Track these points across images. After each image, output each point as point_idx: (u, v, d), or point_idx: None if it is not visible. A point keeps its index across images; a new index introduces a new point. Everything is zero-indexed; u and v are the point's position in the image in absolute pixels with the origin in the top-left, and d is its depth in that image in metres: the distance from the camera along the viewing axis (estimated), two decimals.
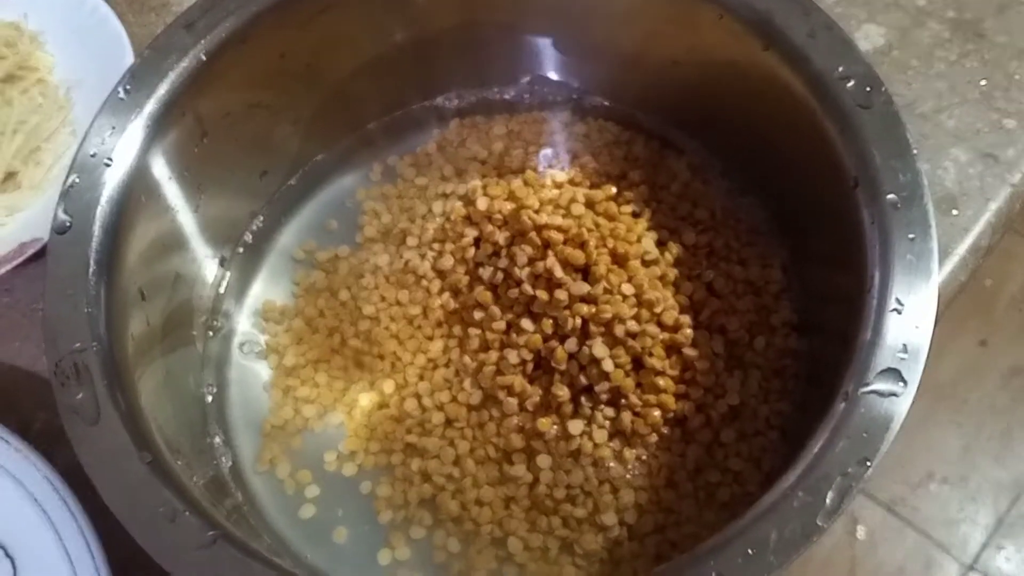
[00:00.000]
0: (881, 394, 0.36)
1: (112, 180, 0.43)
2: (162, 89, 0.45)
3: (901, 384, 0.36)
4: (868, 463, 0.35)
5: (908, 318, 0.37)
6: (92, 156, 0.43)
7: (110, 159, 0.43)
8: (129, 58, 0.61)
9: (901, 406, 0.35)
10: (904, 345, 0.36)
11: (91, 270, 0.41)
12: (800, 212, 0.49)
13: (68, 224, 0.42)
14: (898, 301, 0.37)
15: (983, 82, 0.59)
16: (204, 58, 0.46)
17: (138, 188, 0.44)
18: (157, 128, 0.45)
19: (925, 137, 0.56)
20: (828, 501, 0.34)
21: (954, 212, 0.54)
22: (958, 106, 0.58)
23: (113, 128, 0.44)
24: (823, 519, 0.34)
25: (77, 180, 0.43)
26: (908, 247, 0.38)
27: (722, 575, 0.33)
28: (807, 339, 0.49)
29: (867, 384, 0.36)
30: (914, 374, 0.36)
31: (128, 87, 0.45)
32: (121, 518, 0.36)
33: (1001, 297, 1.43)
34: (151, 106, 0.45)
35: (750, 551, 0.34)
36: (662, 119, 0.56)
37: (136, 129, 0.44)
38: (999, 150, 0.57)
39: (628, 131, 0.57)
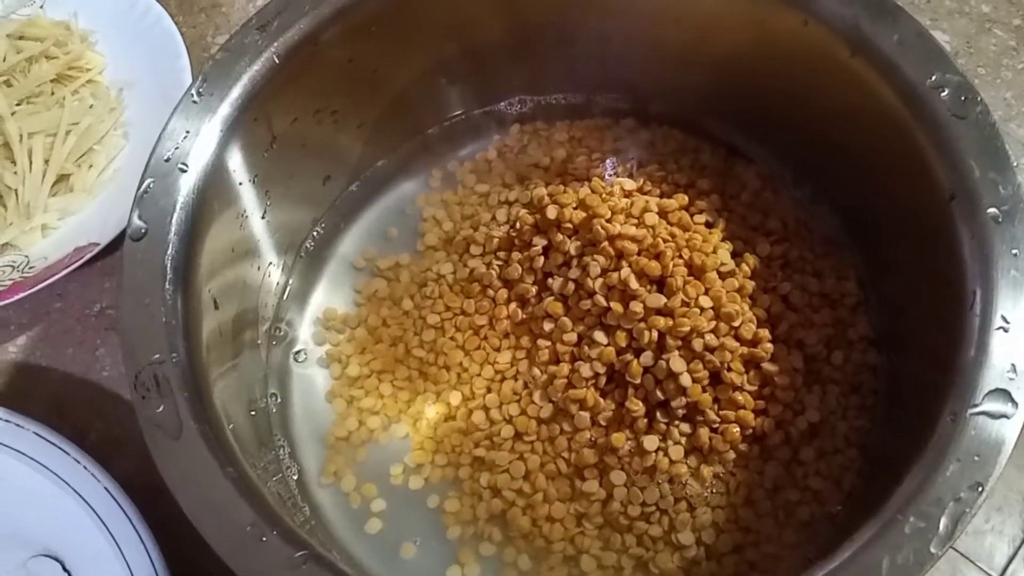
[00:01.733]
0: (991, 416, 0.35)
1: (187, 185, 0.42)
2: (236, 92, 0.44)
3: (1011, 405, 0.35)
4: (981, 488, 0.34)
5: (1016, 337, 0.36)
6: (166, 160, 0.42)
7: (185, 164, 0.42)
8: (183, 59, 0.60)
9: (1013, 428, 0.34)
10: (1013, 365, 0.35)
11: (168, 278, 0.40)
12: (879, 223, 0.48)
13: (144, 230, 0.41)
14: (1004, 319, 0.36)
15: None
16: (277, 61, 0.45)
17: (212, 194, 0.43)
18: (231, 133, 0.44)
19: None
20: (942, 527, 0.33)
21: None
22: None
23: (187, 132, 0.43)
24: (937, 546, 0.33)
25: (152, 185, 0.42)
26: (1012, 263, 0.37)
27: None
28: (886, 355, 0.48)
29: (976, 405, 0.35)
30: None
31: (201, 90, 0.44)
32: (209, 538, 0.35)
33: None
34: (225, 109, 0.44)
35: None
36: (730, 126, 0.55)
37: (210, 133, 0.43)
38: None
39: (694, 138, 0.56)
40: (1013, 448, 0.34)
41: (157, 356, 0.39)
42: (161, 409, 0.37)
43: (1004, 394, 0.35)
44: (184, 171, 0.42)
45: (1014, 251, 0.37)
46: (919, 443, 0.36)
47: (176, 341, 0.39)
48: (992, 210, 0.38)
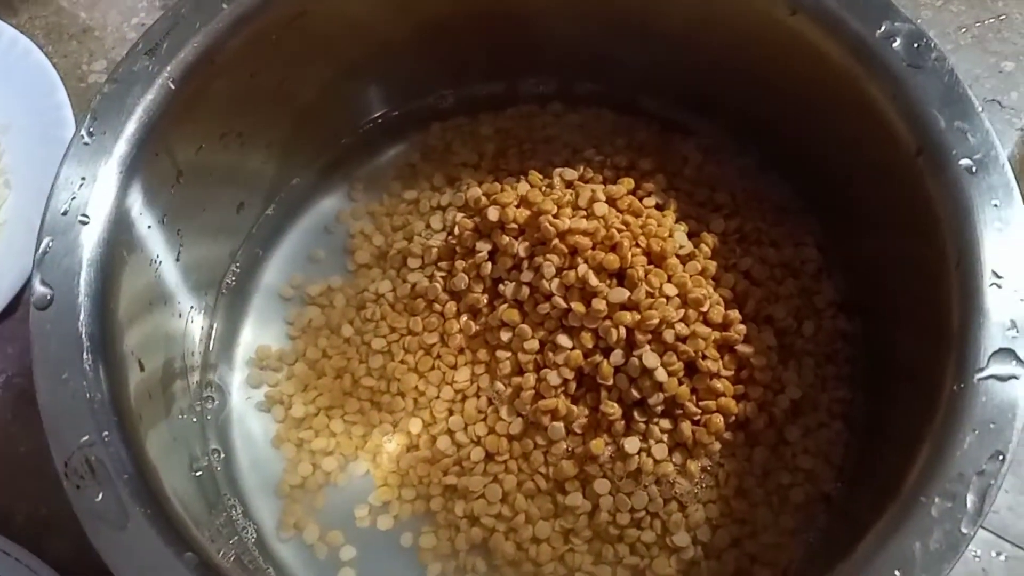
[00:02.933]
0: (1000, 378, 0.33)
1: (91, 239, 0.37)
2: (131, 127, 0.39)
3: (1019, 364, 0.33)
4: (1002, 456, 0.32)
5: (1010, 291, 0.34)
6: (64, 214, 0.37)
7: (86, 216, 0.37)
8: (60, 93, 0.55)
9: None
10: (1012, 321, 0.34)
11: (85, 347, 0.35)
12: (836, 186, 0.46)
13: (50, 297, 0.36)
14: (995, 274, 0.35)
15: (974, 25, 0.57)
16: (173, 87, 0.40)
17: (119, 244, 0.38)
18: (131, 173, 0.39)
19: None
20: (969, 504, 0.31)
21: None
22: (953, 53, 0.56)
23: (83, 179, 0.38)
24: (968, 526, 0.31)
25: (51, 243, 0.37)
26: (995, 214, 0.35)
27: None
28: (855, 319, 0.46)
29: (982, 369, 0.33)
30: None
31: (92, 128, 0.39)
32: None
33: None
34: (121, 148, 0.39)
35: (897, 572, 0.31)
36: (664, 100, 0.52)
37: (109, 177, 0.38)
38: (1002, 95, 0.55)
39: (625, 116, 0.53)
40: None
41: (86, 438, 0.34)
42: (100, 498, 0.33)
43: (1009, 353, 0.33)
44: (85, 223, 0.37)
45: (994, 202, 0.36)
46: (922, 414, 0.35)
47: (105, 418, 0.35)
48: (964, 161, 0.37)
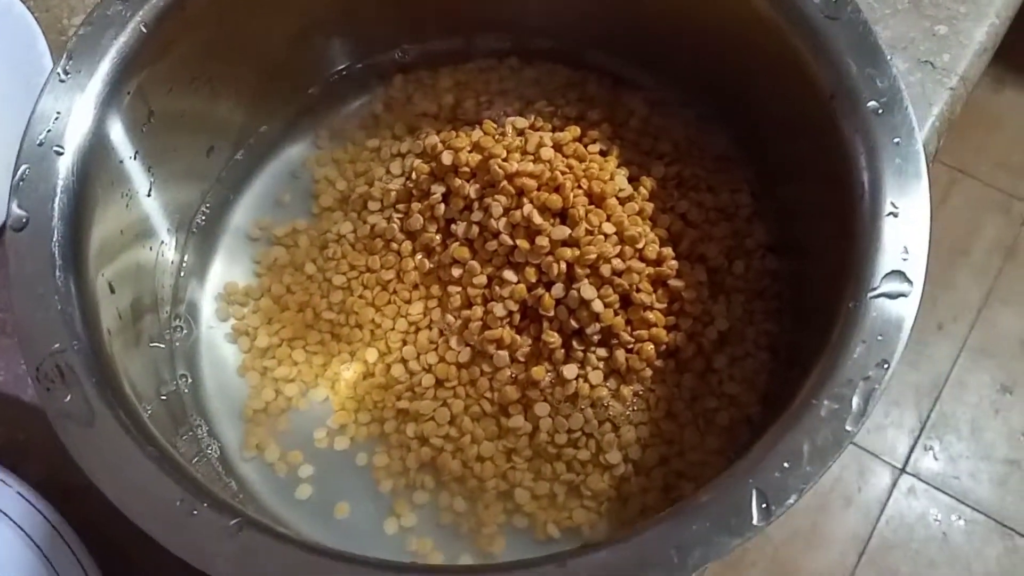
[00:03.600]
0: (890, 296, 0.36)
1: (65, 168, 0.40)
2: (105, 67, 0.42)
3: (907, 284, 0.36)
4: (887, 364, 0.35)
5: (905, 220, 0.38)
6: (40, 144, 0.40)
7: (60, 146, 0.40)
8: (41, 45, 0.57)
9: (911, 306, 0.36)
10: (905, 247, 0.37)
11: (57, 265, 0.38)
12: (768, 134, 0.49)
13: (25, 219, 0.39)
14: (893, 205, 0.38)
15: None
16: (144, 30, 0.43)
17: (92, 175, 0.41)
18: (105, 109, 0.42)
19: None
20: (854, 406, 0.35)
21: None
22: (891, 17, 0.59)
23: (58, 113, 0.41)
24: (852, 424, 0.34)
25: (27, 171, 0.40)
26: (895, 151, 0.39)
27: (761, 490, 0.34)
28: (785, 259, 0.50)
29: (875, 288, 0.37)
30: (918, 273, 0.37)
31: (68, 67, 0.42)
32: (137, 520, 0.34)
33: None
34: (96, 86, 0.42)
35: (785, 464, 0.34)
36: (614, 56, 0.55)
37: (83, 112, 0.41)
38: (935, 56, 0.58)
39: (579, 71, 0.56)
40: (912, 328, 0.36)
41: (57, 346, 0.37)
42: (69, 399, 0.36)
43: (900, 275, 0.37)
44: (60, 153, 0.40)
45: (896, 139, 0.39)
46: (825, 333, 0.38)
47: (75, 328, 0.38)
48: (872, 103, 0.40)
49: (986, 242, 1.47)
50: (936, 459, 1.32)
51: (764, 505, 0.33)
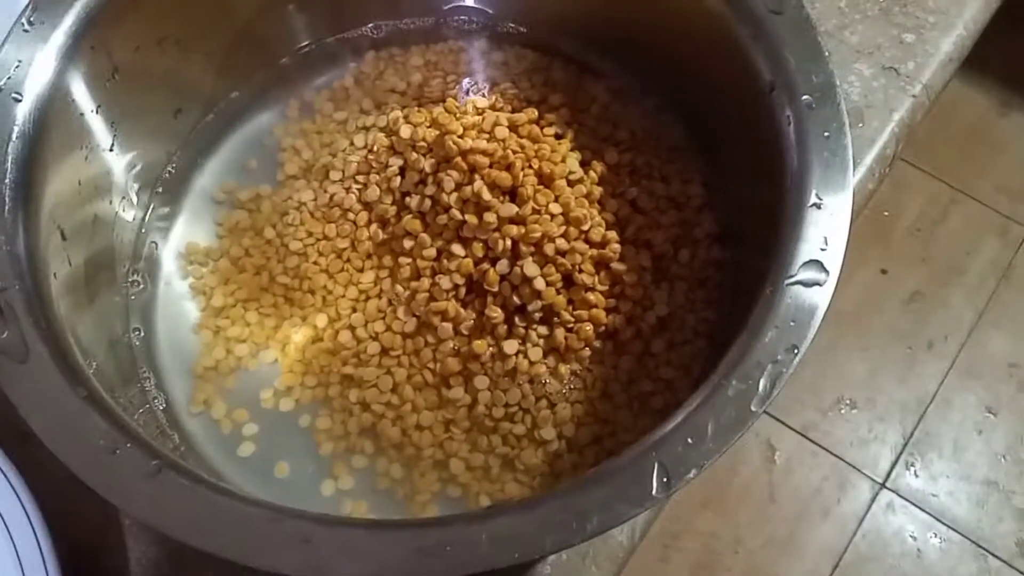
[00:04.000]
0: (805, 284, 0.37)
1: (22, 114, 0.42)
2: (69, 20, 0.43)
3: (824, 274, 0.37)
4: (796, 350, 0.36)
5: (827, 212, 0.39)
6: None
7: (19, 93, 0.42)
8: None
9: (824, 295, 0.37)
10: (825, 238, 0.38)
11: (7, 207, 0.40)
12: (719, 126, 0.50)
13: None
14: (817, 196, 0.39)
15: None
16: None
17: (50, 123, 0.43)
18: (67, 61, 0.43)
19: (831, 53, 0.58)
20: (760, 388, 0.36)
21: (860, 125, 0.56)
22: (860, 22, 0.60)
23: (19, 61, 0.42)
24: (757, 405, 0.35)
25: None
26: (824, 144, 0.40)
27: (664, 464, 0.35)
28: (730, 250, 0.50)
29: (791, 276, 0.37)
30: (835, 264, 0.38)
31: (32, 18, 0.43)
32: (59, 453, 0.35)
33: (898, 226, 1.49)
34: (59, 38, 0.43)
35: (689, 440, 0.35)
36: (579, 43, 0.56)
37: (45, 62, 0.43)
38: (900, 63, 0.59)
39: (546, 57, 0.57)
40: (826, 312, 0.37)
41: (0, 284, 0.38)
42: (5, 335, 0.37)
43: (817, 264, 0.38)
44: (19, 100, 0.42)
45: (825, 133, 0.40)
46: (744, 317, 0.39)
47: (20, 268, 0.39)
48: (806, 97, 0.41)
49: (982, 263, 1.47)
50: (917, 476, 1.32)
51: (665, 479, 0.34)
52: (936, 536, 1.29)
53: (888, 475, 1.32)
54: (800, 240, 0.38)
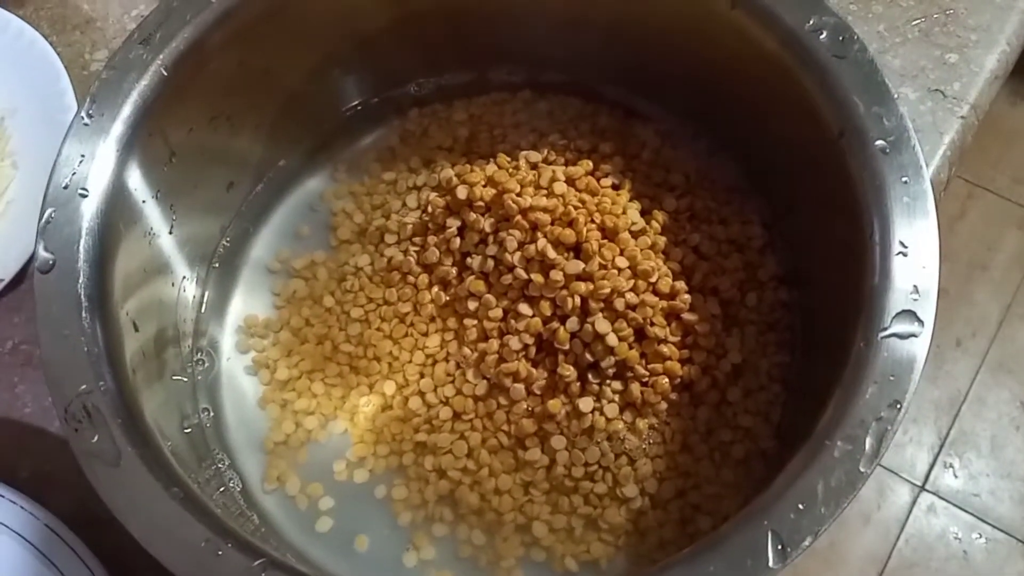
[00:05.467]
0: (901, 336, 0.37)
1: (89, 210, 0.41)
2: (127, 110, 0.43)
3: (918, 324, 0.37)
4: (899, 405, 0.36)
5: (914, 259, 0.38)
6: (65, 188, 0.41)
7: (85, 189, 0.41)
8: (64, 80, 0.58)
9: (921, 346, 0.37)
10: (915, 286, 0.38)
11: (83, 306, 0.39)
12: (777, 167, 0.50)
13: (52, 262, 0.40)
14: (902, 244, 0.38)
15: (921, 20, 0.61)
16: (165, 73, 0.44)
17: (116, 216, 0.42)
18: (127, 152, 0.43)
19: (899, 96, 0.58)
20: (867, 447, 0.35)
21: None
22: (900, 46, 0.60)
23: (83, 156, 0.42)
24: (865, 465, 0.35)
25: (54, 214, 0.41)
26: (904, 190, 0.39)
27: (777, 532, 0.34)
28: (796, 291, 0.50)
29: (885, 328, 0.37)
30: (928, 313, 0.37)
31: (91, 111, 0.43)
32: (164, 560, 0.35)
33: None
34: (118, 129, 0.43)
35: (800, 505, 0.34)
36: (625, 89, 0.56)
37: (106, 154, 0.42)
38: (945, 85, 0.58)
39: (591, 104, 0.57)
40: (923, 368, 0.36)
41: (84, 387, 0.38)
42: (96, 439, 0.37)
43: (910, 315, 0.37)
44: (84, 196, 0.41)
45: (904, 179, 0.39)
46: (836, 370, 0.38)
47: (101, 369, 0.39)
48: (880, 142, 0.40)
49: (1005, 257, 1.47)
50: (956, 476, 1.31)
51: (780, 547, 0.34)
52: (981, 536, 1.28)
53: (927, 477, 1.32)
54: (889, 290, 0.38)
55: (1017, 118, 1.58)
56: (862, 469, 0.35)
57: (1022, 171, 1.53)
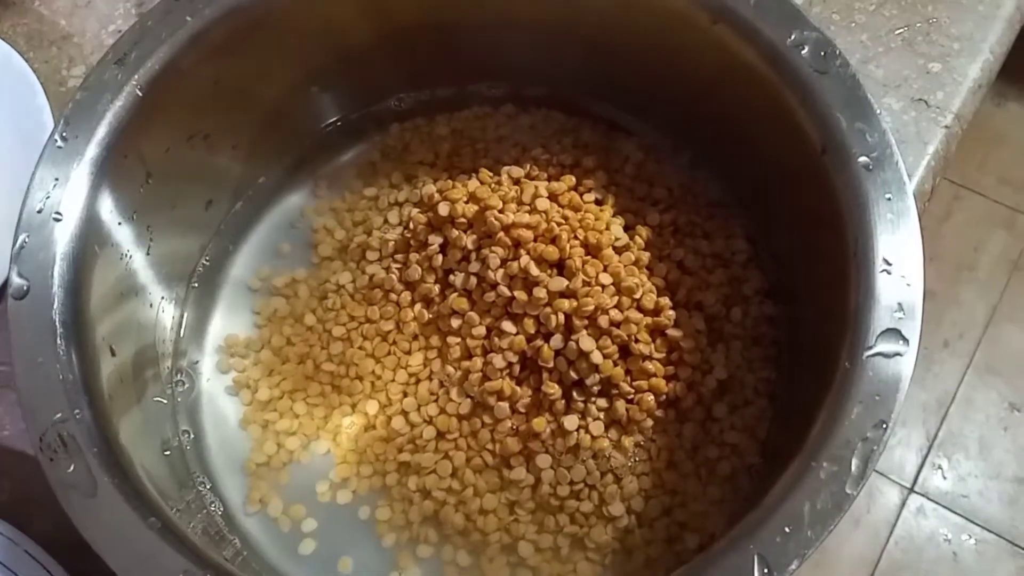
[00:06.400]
0: (886, 355, 0.36)
1: (64, 235, 0.41)
2: (101, 132, 0.42)
3: (903, 343, 0.37)
4: (885, 425, 0.35)
5: (898, 277, 0.38)
6: (39, 212, 0.41)
7: (59, 213, 0.41)
8: (40, 97, 0.57)
9: (906, 365, 0.36)
10: (899, 304, 0.37)
11: (58, 333, 0.39)
12: (760, 181, 0.50)
13: (26, 288, 0.39)
14: (885, 261, 0.38)
15: (903, 29, 0.60)
16: (140, 93, 0.44)
17: (91, 240, 0.42)
18: (102, 174, 0.42)
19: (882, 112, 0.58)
20: (854, 468, 0.35)
21: None
22: (884, 55, 0.59)
23: (56, 179, 0.41)
24: (852, 487, 0.35)
25: (27, 240, 0.40)
26: (887, 207, 0.39)
27: (763, 556, 0.34)
28: (781, 305, 0.50)
29: (870, 347, 0.37)
30: (914, 332, 0.37)
31: (64, 133, 0.42)
32: None
33: None
34: (92, 151, 0.42)
35: (787, 528, 0.34)
36: (608, 103, 0.55)
37: (80, 178, 0.42)
38: (928, 95, 0.58)
39: (574, 118, 0.56)
40: (908, 386, 0.36)
41: (59, 415, 0.37)
42: (72, 469, 0.36)
43: (895, 333, 0.37)
44: (59, 220, 0.41)
45: (887, 195, 0.39)
46: (821, 388, 0.38)
47: (76, 397, 0.38)
48: (863, 159, 0.40)
49: (991, 257, 1.47)
50: (945, 478, 1.31)
51: (766, 571, 0.34)
52: (971, 537, 1.28)
53: (916, 479, 1.32)
54: (873, 309, 0.37)
55: (1002, 119, 1.58)
56: (848, 491, 0.34)
57: (1008, 172, 1.54)
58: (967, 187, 1.53)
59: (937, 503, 1.30)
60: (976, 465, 1.32)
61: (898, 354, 0.36)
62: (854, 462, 0.35)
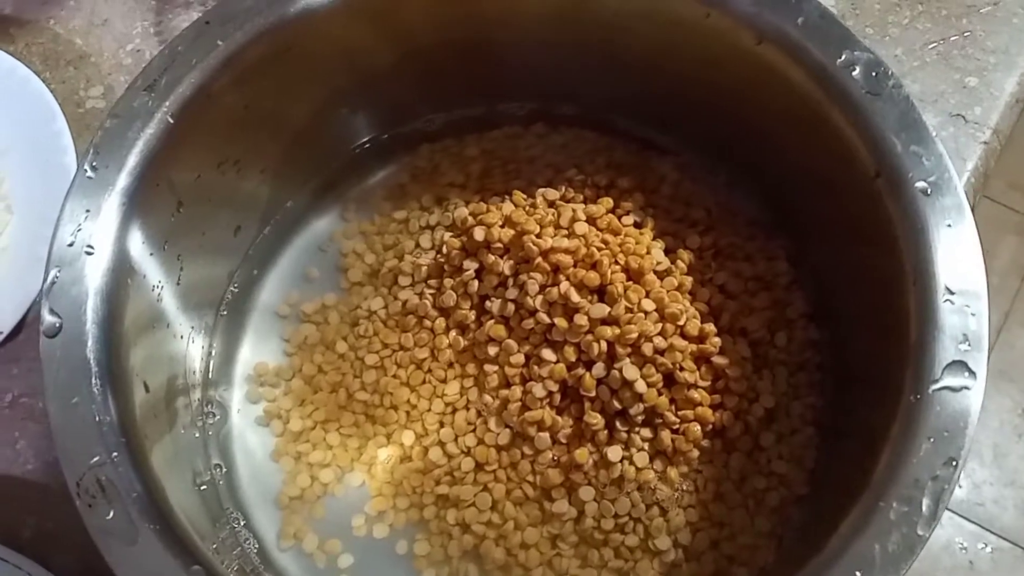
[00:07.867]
0: (953, 389, 0.35)
1: (96, 270, 0.39)
2: (132, 161, 0.41)
3: (970, 376, 0.35)
4: (955, 463, 0.34)
5: (962, 307, 0.37)
6: (70, 246, 0.39)
7: (91, 247, 0.39)
8: (59, 120, 0.56)
9: (975, 399, 0.35)
10: (964, 335, 0.36)
11: (93, 372, 0.38)
12: (800, 201, 0.49)
13: (58, 325, 0.38)
14: (948, 290, 0.37)
15: (939, 43, 0.59)
16: (171, 120, 0.42)
17: (124, 272, 0.40)
18: (133, 204, 0.41)
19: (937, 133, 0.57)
20: (924, 508, 0.34)
21: None
22: (919, 70, 0.58)
23: (88, 211, 0.40)
24: (923, 528, 0.33)
25: (59, 274, 0.39)
26: (947, 235, 0.38)
27: None
28: (825, 330, 0.48)
29: (936, 380, 0.35)
30: (980, 364, 0.36)
31: (95, 163, 0.41)
32: None
33: None
34: (124, 181, 0.41)
35: (857, 572, 0.33)
36: (640, 121, 0.54)
37: (112, 209, 0.40)
38: (966, 110, 0.57)
39: (605, 136, 0.55)
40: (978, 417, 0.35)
41: (96, 459, 0.36)
42: (111, 516, 0.35)
43: (961, 365, 0.36)
44: (91, 254, 0.39)
45: (948, 223, 0.38)
46: (882, 421, 0.37)
47: (113, 439, 0.37)
48: (920, 184, 0.39)
49: (1003, 263, 1.46)
50: (960, 486, 1.30)
51: None
52: (986, 546, 1.27)
53: None
54: (938, 340, 0.36)
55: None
56: (920, 532, 0.33)
57: (1018, 177, 1.53)
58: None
59: (952, 511, 1.28)
60: (991, 473, 1.31)
61: (965, 388, 0.35)
62: (925, 502, 0.34)
